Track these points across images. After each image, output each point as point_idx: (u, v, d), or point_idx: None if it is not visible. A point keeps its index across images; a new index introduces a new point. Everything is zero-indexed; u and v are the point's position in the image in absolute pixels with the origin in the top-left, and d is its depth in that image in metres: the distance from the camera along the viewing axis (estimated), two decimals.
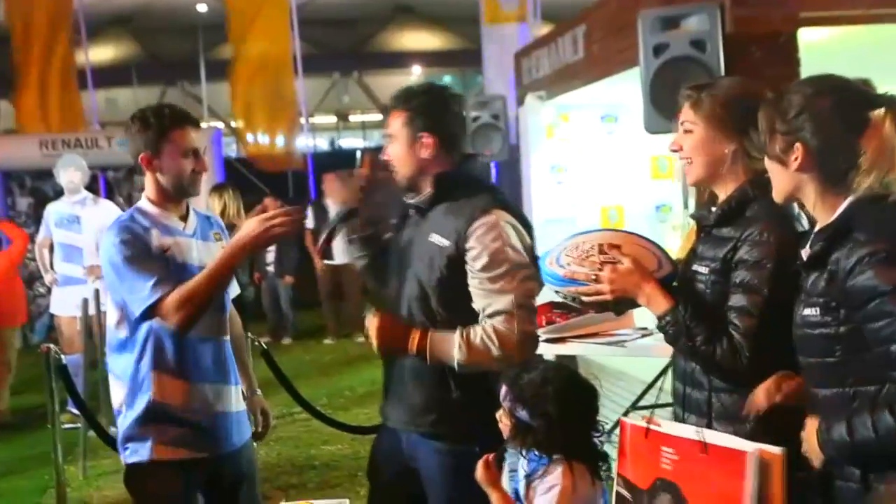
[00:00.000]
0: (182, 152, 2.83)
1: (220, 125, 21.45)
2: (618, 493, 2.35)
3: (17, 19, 12.93)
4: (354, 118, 35.97)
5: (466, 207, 2.65)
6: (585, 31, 6.49)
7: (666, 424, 2.29)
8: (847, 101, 1.96)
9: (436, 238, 2.65)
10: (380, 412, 2.94)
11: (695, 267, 2.28)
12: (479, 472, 2.36)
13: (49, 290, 7.70)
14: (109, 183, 11.43)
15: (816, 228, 2.00)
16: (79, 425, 5.67)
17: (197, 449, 2.89)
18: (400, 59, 35.79)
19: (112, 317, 2.93)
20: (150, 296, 2.70)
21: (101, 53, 28.74)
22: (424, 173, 2.72)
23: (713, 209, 2.32)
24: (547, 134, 7.36)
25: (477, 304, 2.61)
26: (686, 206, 4.71)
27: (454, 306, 2.63)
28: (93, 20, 17.09)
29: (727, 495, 2.05)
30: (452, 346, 2.56)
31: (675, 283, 2.33)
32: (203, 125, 21.09)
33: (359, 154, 13.70)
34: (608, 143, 6.98)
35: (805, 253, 2.00)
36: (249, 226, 2.71)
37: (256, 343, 5.13)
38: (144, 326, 2.81)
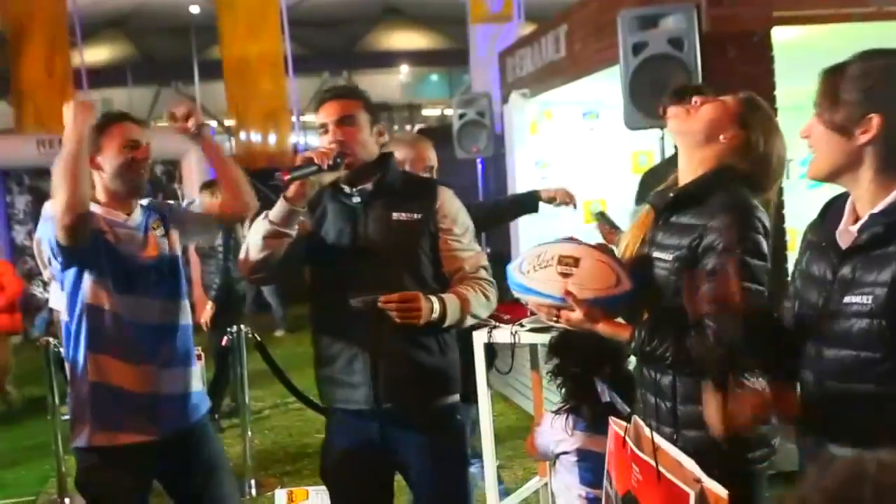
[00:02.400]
0: (121, 145, 2.84)
1: (214, 124, 21.34)
2: (605, 489, 2.30)
3: (13, 21, 12.84)
4: None
5: (423, 185, 2.82)
6: (567, 31, 6.50)
7: (643, 437, 2.17)
8: None
9: (402, 216, 2.68)
10: (342, 398, 2.78)
11: (656, 254, 2.20)
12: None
13: (48, 286, 7.67)
14: None
15: (873, 211, 1.82)
16: (66, 417, 5.66)
17: (137, 433, 2.82)
18: (388, 59, 35.71)
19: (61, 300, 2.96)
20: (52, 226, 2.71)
21: (96, 54, 28.58)
22: (371, 160, 2.75)
23: (670, 195, 2.24)
24: (531, 130, 7.38)
25: (453, 265, 2.71)
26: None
27: (433, 273, 2.72)
28: (88, 22, 16.98)
29: None
30: (477, 304, 2.70)
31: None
32: None
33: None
34: (590, 139, 7.00)
35: (846, 236, 1.86)
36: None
37: (251, 336, 5.13)
38: (79, 306, 2.83)
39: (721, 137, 2.19)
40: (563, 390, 2.82)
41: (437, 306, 2.57)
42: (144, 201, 3.01)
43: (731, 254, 2.03)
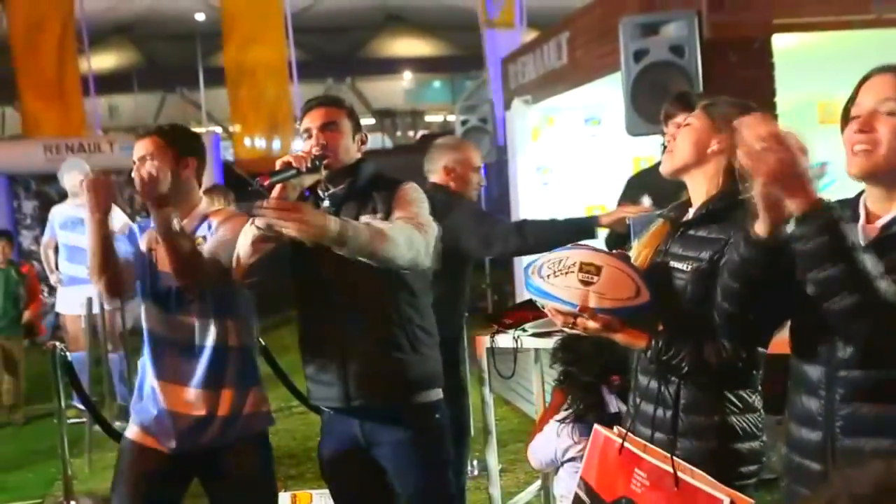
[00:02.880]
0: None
1: (219, 130, 21.38)
2: (576, 496, 2.27)
3: (21, 27, 12.87)
4: None
5: (391, 186, 2.79)
6: (569, 38, 6.50)
7: (637, 443, 2.19)
8: None
9: (369, 217, 2.68)
10: (320, 396, 2.83)
11: (673, 264, 2.21)
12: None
13: (54, 290, 7.67)
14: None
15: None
16: (84, 420, 5.66)
17: (159, 441, 2.86)
18: (391, 66, 35.78)
19: None
20: None
21: (103, 61, 28.63)
22: (351, 164, 2.80)
23: (691, 210, 2.27)
24: (533, 136, 7.38)
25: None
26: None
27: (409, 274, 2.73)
28: (95, 29, 17.01)
29: None
30: (397, 240, 2.54)
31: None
32: (202, 130, 21.00)
33: None
34: (592, 145, 6.99)
35: (868, 233, 1.83)
36: None
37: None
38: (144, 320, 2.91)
39: (711, 148, 2.22)
40: (570, 397, 2.82)
41: (334, 225, 2.39)
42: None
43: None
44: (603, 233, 3.66)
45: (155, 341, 2.87)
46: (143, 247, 2.93)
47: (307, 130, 2.80)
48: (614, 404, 2.67)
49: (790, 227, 1.76)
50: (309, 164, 2.58)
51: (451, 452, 2.91)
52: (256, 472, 2.91)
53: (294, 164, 2.57)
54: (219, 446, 2.83)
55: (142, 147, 2.87)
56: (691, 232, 2.22)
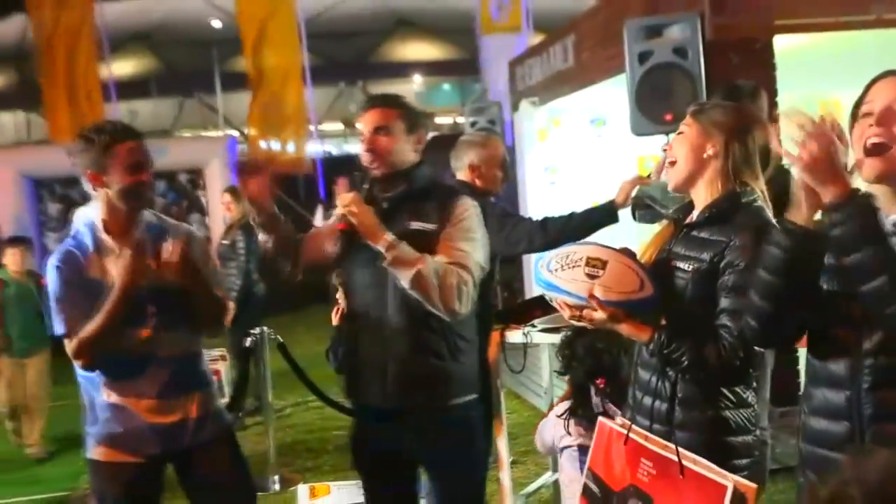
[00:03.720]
0: (126, 167, 2.65)
1: (236, 133, 21.43)
2: (586, 486, 2.30)
3: (44, 36, 12.93)
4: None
5: (446, 196, 2.79)
6: (575, 41, 6.50)
7: (640, 433, 2.20)
8: None
9: (418, 225, 2.70)
10: (368, 397, 2.83)
11: (676, 263, 2.23)
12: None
13: None
14: None
15: None
16: None
17: (132, 453, 2.73)
18: (401, 69, 35.75)
19: None
20: (57, 329, 2.67)
21: (123, 68, 28.74)
22: (406, 167, 2.77)
23: (694, 212, 2.28)
24: (540, 137, 7.37)
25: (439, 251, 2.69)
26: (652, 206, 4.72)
27: None
28: (114, 37, 17.07)
29: None
30: (433, 280, 2.62)
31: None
32: (219, 133, 21.04)
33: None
34: (597, 145, 6.99)
35: None
36: (123, 268, 2.60)
37: (273, 337, 5.15)
38: None
39: (706, 153, 2.24)
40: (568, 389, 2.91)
41: (389, 236, 2.60)
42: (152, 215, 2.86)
43: (750, 272, 2.02)
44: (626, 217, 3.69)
45: (111, 360, 2.67)
46: (93, 270, 2.69)
47: (361, 133, 2.77)
48: (601, 406, 2.74)
49: (825, 217, 1.78)
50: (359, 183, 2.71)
51: (483, 446, 2.95)
52: (232, 463, 2.90)
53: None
54: (195, 445, 2.79)
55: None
56: (694, 233, 2.24)
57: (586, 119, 7.03)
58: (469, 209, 2.78)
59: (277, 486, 5.00)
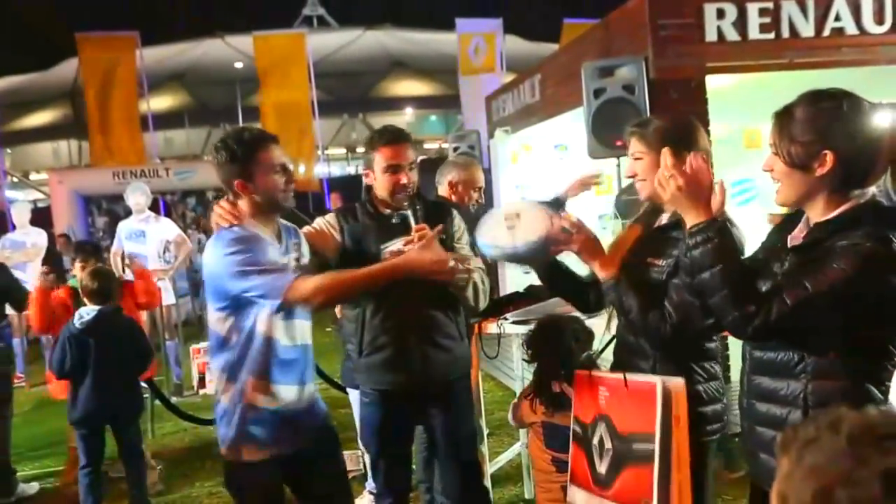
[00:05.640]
0: (271, 170, 2.36)
1: None
2: (573, 431, 2.37)
3: (93, 76, 12.84)
4: (360, 150, 35.96)
5: (443, 209, 2.87)
6: (541, 79, 6.51)
7: (600, 374, 2.31)
8: (866, 110, 1.71)
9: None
10: (396, 384, 2.75)
11: (651, 260, 2.18)
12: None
13: None
14: (168, 204, 11.38)
15: (816, 221, 1.77)
16: (147, 395, 5.63)
17: (279, 448, 2.40)
18: (395, 104, 35.79)
19: (218, 322, 2.39)
20: (283, 282, 2.25)
21: (160, 103, 28.63)
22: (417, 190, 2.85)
23: (665, 216, 2.24)
24: (512, 160, 7.37)
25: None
26: (618, 217, 4.73)
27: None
28: (153, 77, 16.98)
29: (644, 418, 2.08)
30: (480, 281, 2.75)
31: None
32: None
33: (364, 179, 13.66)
34: (560, 167, 6.98)
35: (794, 241, 1.81)
36: (421, 255, 2.36)
37: None
38: (248, 331, 2.34)
39: (647, 180, 2.19)
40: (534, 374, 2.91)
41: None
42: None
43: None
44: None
45: (279, 348, 2.38)
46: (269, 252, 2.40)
47: (392, 167, 2.69)
48: (557, 387, 2.74)
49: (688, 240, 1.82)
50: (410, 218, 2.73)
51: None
52: (338, 451, 2.65)
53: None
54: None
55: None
56: (665, 234, 2.20)
57: (551, 145, 7.02)
58: (459, 216, 2.90)
59: None
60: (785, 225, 1.93)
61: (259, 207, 2.38)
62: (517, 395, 3.23)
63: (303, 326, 2.45)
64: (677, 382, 2.04)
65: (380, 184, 2.75)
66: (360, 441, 3.53)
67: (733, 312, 1.72)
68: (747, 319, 1.69)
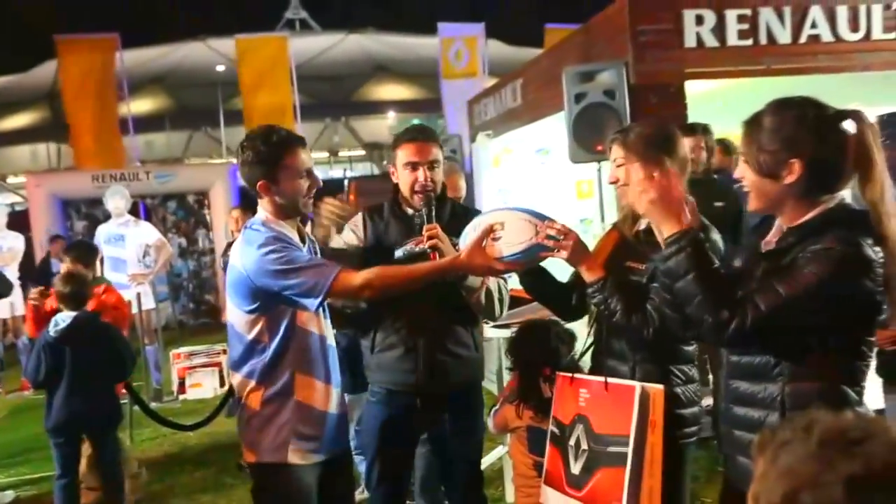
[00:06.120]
0: (297, 174, 2.30)
1: (236, 161, 21.21)
2: (551, 432, 2.38)
3: (72, 80, 12.72)
4: (343, 154, 35.82)
5: (468, 214, 2.72)
6: (522, 84, 6.53)
7: (581, 376, 2.32)
8: (831, 118, 1.73)
9: (455, 240, 2.63)
10: (401, 384, 2.73)
11: (631, 265, 2.21)
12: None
13: None
14: (148, 208, 11.28)
15: (788, 226, 1.80)
16: (126, 401, 5.57)
17: (324, 452, 2.37)
18: (378, 107, 35.75)
19: (246, 324, 2.30)
20: (328, 276, 2.19)
21: (140, 105, 28.37)
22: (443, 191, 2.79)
23: (642, 221, 2.26)
24: (494, 164, 7.39)
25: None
26: (602, 220, 4.75)
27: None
28: (133, 79, 16.84)
29: (621, 420, 2.10)
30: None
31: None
32: (223, 161, 20.82)
33: (346, 182, 13.61)
34: (542, 171, 7.01)
35: (767, 246, 1.85)
36: (473, 257, 2.23)
37: None
38: (288, 329, 2.27)
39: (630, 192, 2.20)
40: (517, 383, 2.84)
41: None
42: None
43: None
44: None
45: (329, 348, 2.38)
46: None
47: (412, 164, 2.67)
48: (548, 391, 2.70)
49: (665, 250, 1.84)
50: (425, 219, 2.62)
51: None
52: (352, 457, 2.70)
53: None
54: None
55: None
56: (645, 239, 2.22)
57: (532, 149, 7.05)
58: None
59: None
60: (761, 229, 1.95)
61: (281, 210, 2.32)
62: (495, 399, 3.20)
63: (329, 327, 2.41)
64: (657, 387, 2.06)
65: (401, 181, 2.73)
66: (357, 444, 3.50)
67: (708, 319, 1.73)
68: (722, 326, 1.71)
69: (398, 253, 2.67)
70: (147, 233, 7.04)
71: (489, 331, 3.45)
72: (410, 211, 2.74)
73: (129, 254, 6.83)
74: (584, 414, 2.25)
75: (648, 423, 2.05)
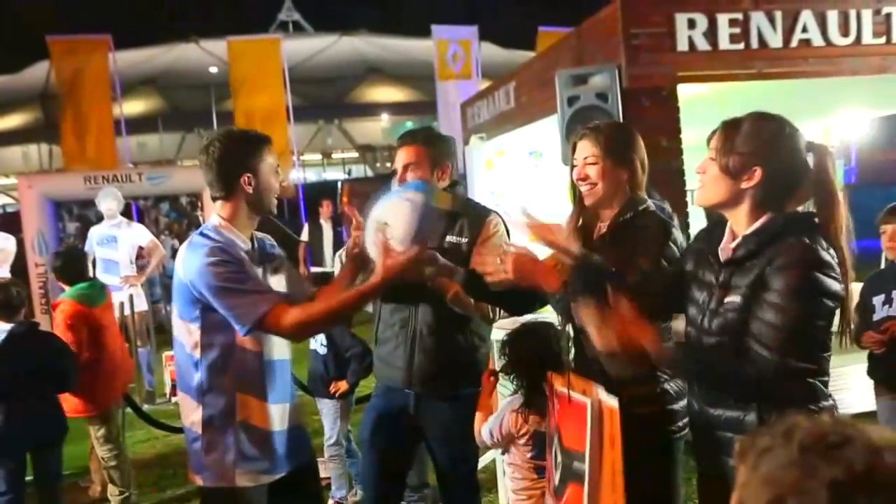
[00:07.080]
0: (272, 170, 2.31)
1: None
2: (548, 436, 2.39)
3: (65, 80, 12.67)
4: (336, 156, 35.80)
5: (479, 214, 2.70)
6: (515, 87, 6.54)
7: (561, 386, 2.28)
8: (800, 143, 1.84)
9: (453, 239, 2.63)
10: (385, 376, 2.76)
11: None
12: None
13: None
14: (140, 210, 11.24)
15: (744, 233, 1.86)
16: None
17: (277, 470, 2.31)
18: (371, 110, 35.73)
19: (187, 335, 2.26)
20: (258, 308, 2.14)
21: (133, 107, 28.29)
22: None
23: (602, 224, 2.31)
24: (487, 166, 7.39)
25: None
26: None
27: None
28: (126, 81, 16.78)
29: (581, 436, 2.09)
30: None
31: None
32: None
33: (339, 185, 13.59)
34: (534, 174, 7.02)
35: (726, 253, 1.89)
36: (388, 268, 2.18)
37: None
38: (227, 346, 2.21)
39: (599, 185, 2.27)
40: (516, 383, 2.76)
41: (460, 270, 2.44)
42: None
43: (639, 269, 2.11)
44: None
45: (272, 365, 2.31)
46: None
47: (403, 167, 2.66)
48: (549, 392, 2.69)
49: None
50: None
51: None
52: (317, 468, 2.68)
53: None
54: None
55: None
56: (606, 242, 2.24)
57: (525, 151, 7.06)
58: (500, 225, 2.69)
59: None
60: (712, 233, 1.98)
61: (250, 207, 2.28)
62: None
63: (282, 340, 2.33)
64: (611, 403, 2.00)
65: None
66: (356, 444, 3.46)
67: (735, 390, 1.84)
68: (747, 383, 1.77)
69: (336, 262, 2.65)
70: (139, 234, 7.02)
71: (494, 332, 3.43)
72: None
73: (122, 255, 6.81)
74: (557, 424, 2.25)
75: (605, 438, 2.00)
